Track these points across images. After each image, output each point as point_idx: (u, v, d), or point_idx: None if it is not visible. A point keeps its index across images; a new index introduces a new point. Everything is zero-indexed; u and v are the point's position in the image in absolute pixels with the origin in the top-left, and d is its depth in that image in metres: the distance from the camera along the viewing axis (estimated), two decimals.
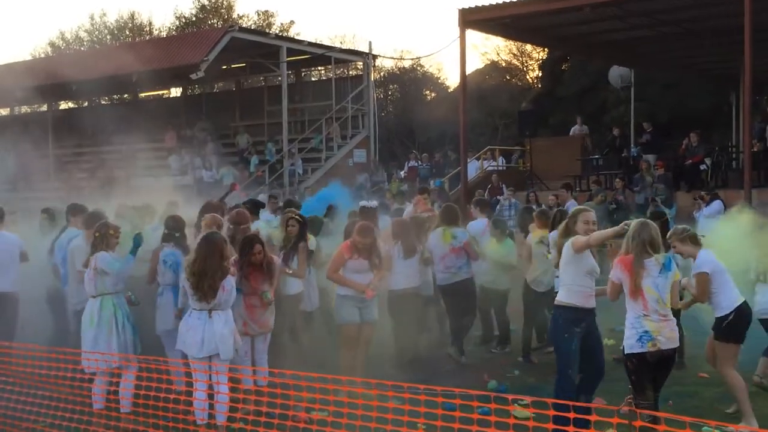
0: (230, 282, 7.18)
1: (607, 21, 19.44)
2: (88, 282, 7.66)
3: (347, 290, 8.62)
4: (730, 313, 7.28)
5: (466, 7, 19.68)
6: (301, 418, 6.07)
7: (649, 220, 6.73)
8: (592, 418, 4.31)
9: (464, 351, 10.09)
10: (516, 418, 5.04)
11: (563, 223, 7.51)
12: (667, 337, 6.40)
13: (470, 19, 19.68)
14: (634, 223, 6.55)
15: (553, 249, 8.88)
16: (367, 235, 8.61)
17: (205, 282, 7.03)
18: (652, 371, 6.43)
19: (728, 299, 7.32)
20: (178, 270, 7.91)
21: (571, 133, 22.93)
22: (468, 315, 10.13)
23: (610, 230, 6.80)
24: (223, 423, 6.99)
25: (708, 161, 19.73)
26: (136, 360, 7.43)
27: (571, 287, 7.04)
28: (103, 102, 35.38)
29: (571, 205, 14.08)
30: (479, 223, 11.21)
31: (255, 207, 10.96)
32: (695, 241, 7.52)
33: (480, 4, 19.54)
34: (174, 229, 8.34)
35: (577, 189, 21.37)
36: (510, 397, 4.98)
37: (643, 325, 6.33)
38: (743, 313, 7.36)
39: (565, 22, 20.10)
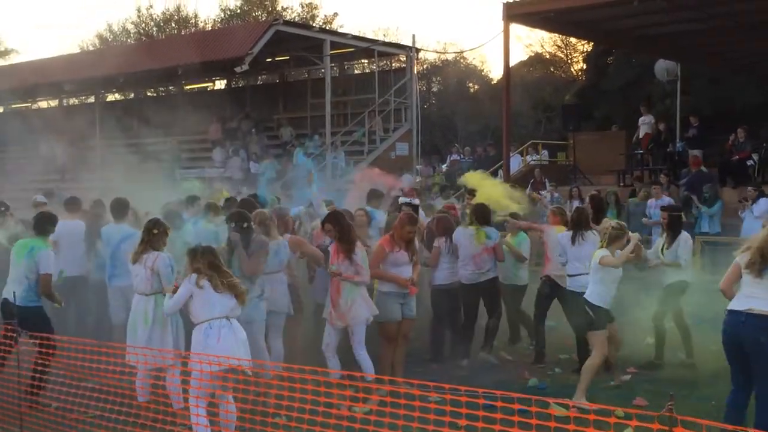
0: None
1: (653, 14, 19.19)
2: (142, 280, 7.70)
3: (390, 286, 8.61)
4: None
5: (511, 0, 19.55)
6: (344, 415, 6.13)
7: None
8: (633, 423, 4.30)
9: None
10: (555, 418, 5.04)
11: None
12: None
13: (514, 12, 19.57)
14: None
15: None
16: (413, 224, 8.67)
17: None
18: None
19: None
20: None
21: (639, 124, 22.69)
22: (495, 314, 10.17)
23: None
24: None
25: (755, 157, 19.43)
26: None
27: None
28: (149, 94, 35.84)
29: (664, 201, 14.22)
30: None
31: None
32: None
33: None
34: (240, 220, 8.17)
35: (621, 184, 21.19)
36: (551, 400, 5.00)
37: None
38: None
39: (610, 15, 19.91)
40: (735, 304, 6.28)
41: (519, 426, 4.76)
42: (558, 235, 9.41)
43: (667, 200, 14.93)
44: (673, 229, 9.77)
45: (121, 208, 9.78)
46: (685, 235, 9.65)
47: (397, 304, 8.60)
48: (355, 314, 8.22)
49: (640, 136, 22.62)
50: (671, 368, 9.60)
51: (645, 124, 22.71)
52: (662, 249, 9.71)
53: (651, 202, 15.22)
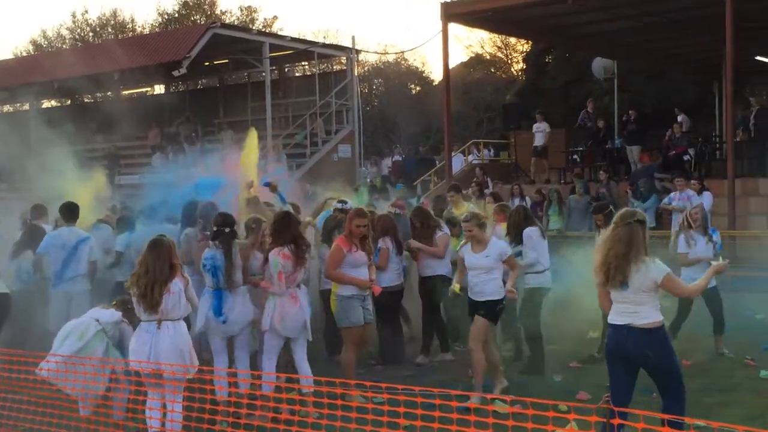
0: (177, 285, 6.78)
1: (590, 12, 19.41)
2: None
3: (351, 289, 8.34)
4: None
5: (449, 0, 19.59)
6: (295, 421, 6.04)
7: None
8: (570, 416, 4.29)
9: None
10: (494, 414, 5.03)
11: None
12: None
13: (452, 12, 19.60)
14: None
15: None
16: (362, 216, 8.43)
17: (155, 291, 6.66)
18: None
19: None
20: (217, 274, 7.80)
21: (534, 131, 22.87)
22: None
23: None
24: None
25: (691, 152, 19.76)
26: None
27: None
28: (86, 100, 35.18)
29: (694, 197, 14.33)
30: None
31: None
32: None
33: None
34: (223, 225, 7.95)
35: (561, 181, 21.40)
36: (489, 396, 4.98)
37: None
38: None
39: (547, 14, 20.06)
40: (613, 318, 6.03)
41: (457, 423, 4.72)
42: (529, 230, 9.27)
43: (690, 193, 15.02)
44: (605, 225, 9.83)
45: (72, 212, 9.65)
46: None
47: (359, 307, 8.38)
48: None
49: (536, 143, 22.82)
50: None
51: (540, 131, 22.97)
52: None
53: (674, 194, 15.31)
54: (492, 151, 27.47)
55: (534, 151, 22.91)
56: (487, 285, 8.14)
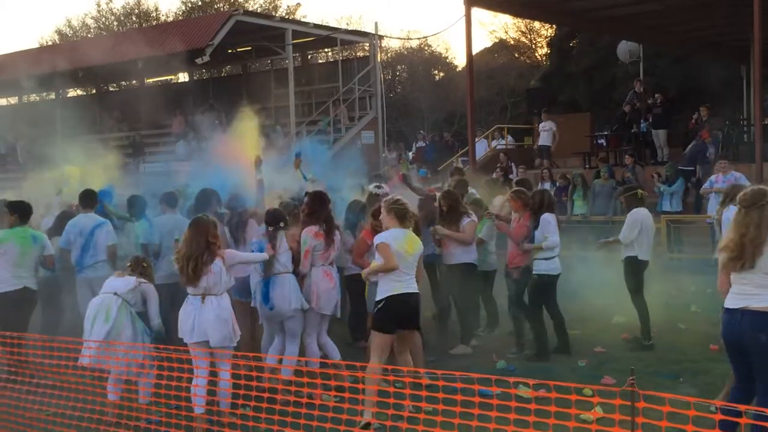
0: (218, 265, 7.12)
1: None
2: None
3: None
4: (381, 300, 7.16)
5: None
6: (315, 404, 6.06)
7: None
8: (594, 400, 4.25)
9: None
10: (517, 398, 4.98)
11: None
12: None
13: None
14: None
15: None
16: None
17: (189, 265, 7.06)
18: None
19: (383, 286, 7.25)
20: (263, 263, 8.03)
21: (539, 130, 22.55)
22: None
23: None
24: (225, 410, 6.98)
25: (712, 146, 19.46)
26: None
27: None
28: (110, 89, 35.37)
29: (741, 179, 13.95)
30: None
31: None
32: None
33: None
34: (275, 221, 8.14)
35: (586, 166, 21.23)
36: (512, 380, 4.94)
37: None
38: (394, 302, 7.09)
39: None
40: (730, 302, 5.80)
41: (480, 407, 4.69)
42: (545, 216, 9.17)
43: (736, 175, 14.67)
44: (628, 209, 9.77)
45: (90, 199, 9.75)
46: (633, 214, 9.57)
47: None
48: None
49: (540, 144, 22.58)
50: (639, 348, 9.54)
51: (545, 131, 22.71)
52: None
53: (717, 177, 15.02)
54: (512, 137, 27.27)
55: (538, 151, 22.65)
56: None
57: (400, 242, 7.10)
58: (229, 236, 8.85)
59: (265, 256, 7.86)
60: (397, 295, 7.05)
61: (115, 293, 7.46)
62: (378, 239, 7.16)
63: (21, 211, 8.89)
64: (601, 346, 9.56)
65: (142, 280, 7.60)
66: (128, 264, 7.81)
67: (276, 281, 7.98)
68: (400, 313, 7.11)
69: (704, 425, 3.94)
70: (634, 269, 9.54)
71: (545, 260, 9.12)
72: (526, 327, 9.61)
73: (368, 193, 10.76)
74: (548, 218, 9.13)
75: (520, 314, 9.61)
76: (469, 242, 9.55)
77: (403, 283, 7.09)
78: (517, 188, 9.99)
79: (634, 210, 9.57)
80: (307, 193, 8.73)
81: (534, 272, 9.22)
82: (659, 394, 4.05)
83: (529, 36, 46.66)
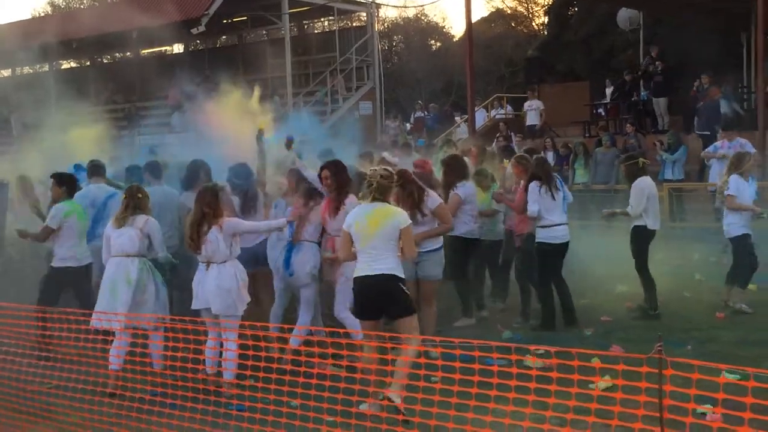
0: (213, 234, 7.18)
1: None
2: (129, 241, 7.72)
3: (436, 242, 8.31)
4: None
5: None
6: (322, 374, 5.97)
7: None
8: (620, 367, 4.15)
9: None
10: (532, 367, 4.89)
11: None
12: None
13: None
14: None
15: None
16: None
17: (190, 232, 7.25)
18: None
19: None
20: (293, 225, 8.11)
21: (525, 108, 22.28)
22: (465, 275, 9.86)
23: None
24: (231, 380, 7.01)
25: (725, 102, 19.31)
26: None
27: None
28: (105, 61, 35.05)
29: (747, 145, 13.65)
30: None
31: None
32: None
33: None
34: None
35: (586, 135, 21.08)
36: (531, 347, 4.86)
37: None
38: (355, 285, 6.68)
39: None
40: None
41: (499, 376, 4.61)
42: (530, 185, 9.03)
43: (741, 141, 14.26)
44: (629, 178, 9.61)
45: (98, 168, 9.76)
46: (637, 183, 9.43)
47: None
48: (345, 271, 7.80)
49: (528, 123, 22.29)
50: (644, 317, 9.46)
51: (532, 110, 22.48)
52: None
53: (721, 143, 14.81)
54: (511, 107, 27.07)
55: (528, 131, 22.30)
56: None
57: (362, 220, 6.50)
58: (239, 207, 8.69)
59: (280, 222, 7.81)
60: (359, 277, 6.53)
61: (127, 254, 7.63)
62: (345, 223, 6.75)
63: (69, 184, 8.71)
64: (607, 315, 9.48)
65: (141, 217, 7.71)
66: (123, 196, 7.86)
67: (299, 248, 8.02)
68: (363, 297, 6.55)
69: (733, 392, 3.85)
70: (642, 239, 9.43)
71: (542, 228, 9.00)
72: (533, 297, 9.54)
73: (380, 160, 10.72)
74: (532, 186, 8.99)
75: (526, 282, 9.52)
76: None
77: (365, 264, 6.49)
78: (519, 155, 9.88)
79: (639, 179, 9.40)
80: (323, 167, 8.30)
81: (535, 240, 9.12)
82: (688, 361, 3.94)
83: (525, 5, 46.33)
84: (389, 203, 6.59)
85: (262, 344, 6.61)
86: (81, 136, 15.37)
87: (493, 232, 9.96)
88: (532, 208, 8.92)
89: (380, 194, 6.50)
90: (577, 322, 9.14)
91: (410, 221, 6.64)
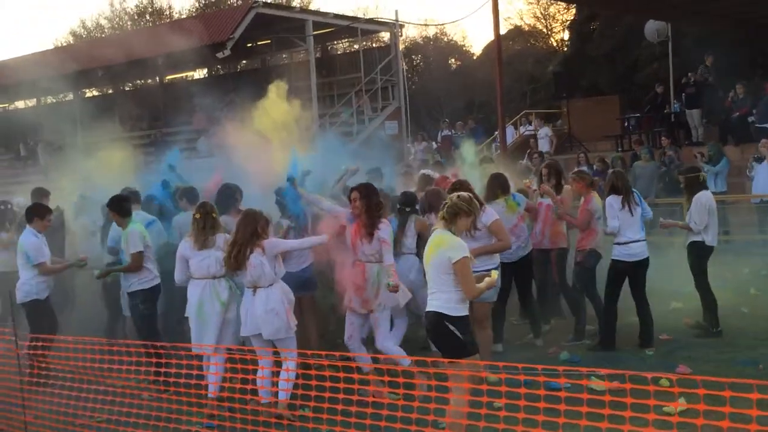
0: (257, 258, 7.08)
1: None
2: (215, 263, 7.68)
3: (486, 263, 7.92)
4: None
5: None
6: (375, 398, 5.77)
7: None
8: (676, 390, 3.90)
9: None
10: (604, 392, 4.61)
11: None
12: None
13: None
14: None
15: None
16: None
17: (233, 251, 7.13)
18: None
19: None
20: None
21: (538, 136, 21.80)
22: (531, 294, 9.54)
23: None
24: (284, 401, 6.95)
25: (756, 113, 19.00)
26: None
27: None
28: (127, 89, 35.09)
29: None
30: None
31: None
32: None
33: None
34: (405, 204, 8.59)
35: (619, 149, 20.75)
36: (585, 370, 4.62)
37: None
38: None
39: None
40: None
41: (546, 401, 4.39)
42: (608, 199, 8.75)
43: None
44: (689, 190, 9.34)
45: (134, 197, 9.54)
46: (699, 197, 9.14)
47: None
48: (382, 299, 7.60)
49: (538, 150, 21.14)
50: (706, 335, 9.13)
51: (542, 138, 22.18)
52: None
53: None
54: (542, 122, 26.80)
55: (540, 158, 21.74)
56: None
57: (427, 248, 6.08)
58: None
59: (322, 239, 7.72)
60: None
61: (214, 276, 7.61)
62: None
63: (118, 209, 8.47)
64: (665, 333, 9.16)
65: (219, 236, 7.64)
66: (196, 216, 7.71)
67: (400, 260, 8.16)
68: (426, 332, 6.37)
69: None
70: (701, 255, 9.16)
71: (618, 245, 8.71)
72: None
73: (421, 176, 10.50)
74: (610, 201, 8.73)
75: (582, 299, 9.23)
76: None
77: (429, 296, 6.06)
78: (578, 170, 9.65)
79: (699, 194, 9.15)
80: (352, 189, 7.92)
81: (612, 257, 8.81)
82: (746, 381, 3.68)
83: (544, 22, 46.19)
84: (452, 231, 5.97)
85: (313, 372, 6.40)
86: (109, 162, 15.32)
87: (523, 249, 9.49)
88: (612, 224, 8.64)
89: (448, 217, 5.96)
90: (653, 344, 8.79)
91: (466, 254, 5.87)
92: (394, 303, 7.72)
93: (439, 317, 5.86)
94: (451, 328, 5.82)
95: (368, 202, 7.58)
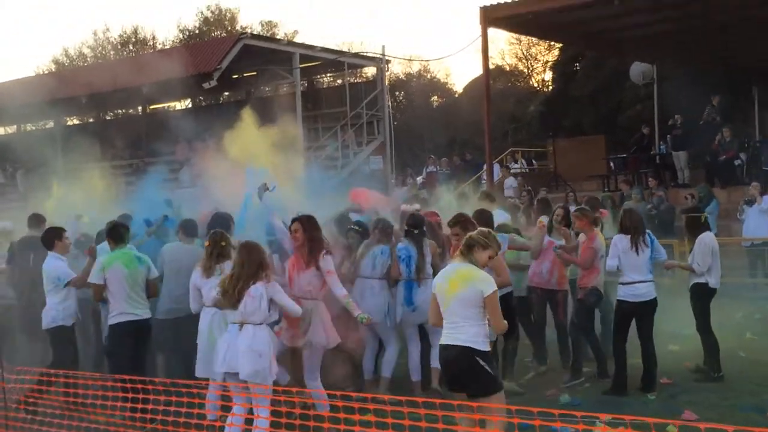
0: (258, 290, 6.71)
1: (634, 15, 18.82)
2: None
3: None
4: None
5: (488, 4, 19.00)
6: None
7: None
8: None
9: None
10: None
11: None
12: None
13: (493, 16, 18.99)
14: None
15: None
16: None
17: (237, 286, 6.72)
18: None
19: None
20: (411, 264, 8.44)
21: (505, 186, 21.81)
22: (513, 335, 9.18)
23: None
24: None
25: (743, 156, 19.09)
26: None
27: None
28: (108, 118, 34.80)
29: None
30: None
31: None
32: None
33: (502, 1, 18.86)
34: (414, 226, 8.58)
35: (606, 189, 20.75)
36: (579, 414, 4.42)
37: None
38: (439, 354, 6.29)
39: (591, 16, 19.43)
40: None
41: None
42: (615, 238, 8.61)
43: None
44: (691, 231, 9.24)
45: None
46: (702, 239, 9.04)
47: None
48: (311, 337, 7.48)
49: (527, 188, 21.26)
50: (706, 379, 8.96)
51: (509, 188, 21.95)
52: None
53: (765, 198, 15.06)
54: (525, 161, 26.83)
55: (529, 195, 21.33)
56: None
57: (443, 281, 5.98)
58: (277, 262, 8.31)
59: (300, 310, 7.17)
60: (441, 345, 6.00)
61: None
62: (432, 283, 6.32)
63: (112, 235, 8.30)
64: (666, 377, 8.98)
65: (227, 264, 7.38)
66: (206, 244, 7.64)
67: (422, 286, 8.32)
68: (444, 369, 6.11)
69: None
70: (704, 297, 9.01)
71: (623, 285, 8.56)
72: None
73: (401, 213, 10.24)
74: (615, 240, 8.59)
75: (581, 338, 9.05)
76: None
77: (445, 331, 5.93)
78: (580, 206, 9.50)
79: (703, 235, 9.04)
80: (294, 220, 7.83)
81: (617, 297, 8.66)
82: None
83: (525, 62, 46.55)
84: (475, 264, 5.91)
85: (297, 410, 6.19)
86: (89, 191, 15.03)
87: (518, 287, 9.42)
88: (610, 263, 8.52)
89: (467, 251, 5.90)
90: (655, 388, 8.58)
91: (496, 288, 5.87)
92: (323, 343, 7.54)
93: (469, 352, 5.74)
94: (482, 363, 5.72)
95: (309, 235, 7.55)
